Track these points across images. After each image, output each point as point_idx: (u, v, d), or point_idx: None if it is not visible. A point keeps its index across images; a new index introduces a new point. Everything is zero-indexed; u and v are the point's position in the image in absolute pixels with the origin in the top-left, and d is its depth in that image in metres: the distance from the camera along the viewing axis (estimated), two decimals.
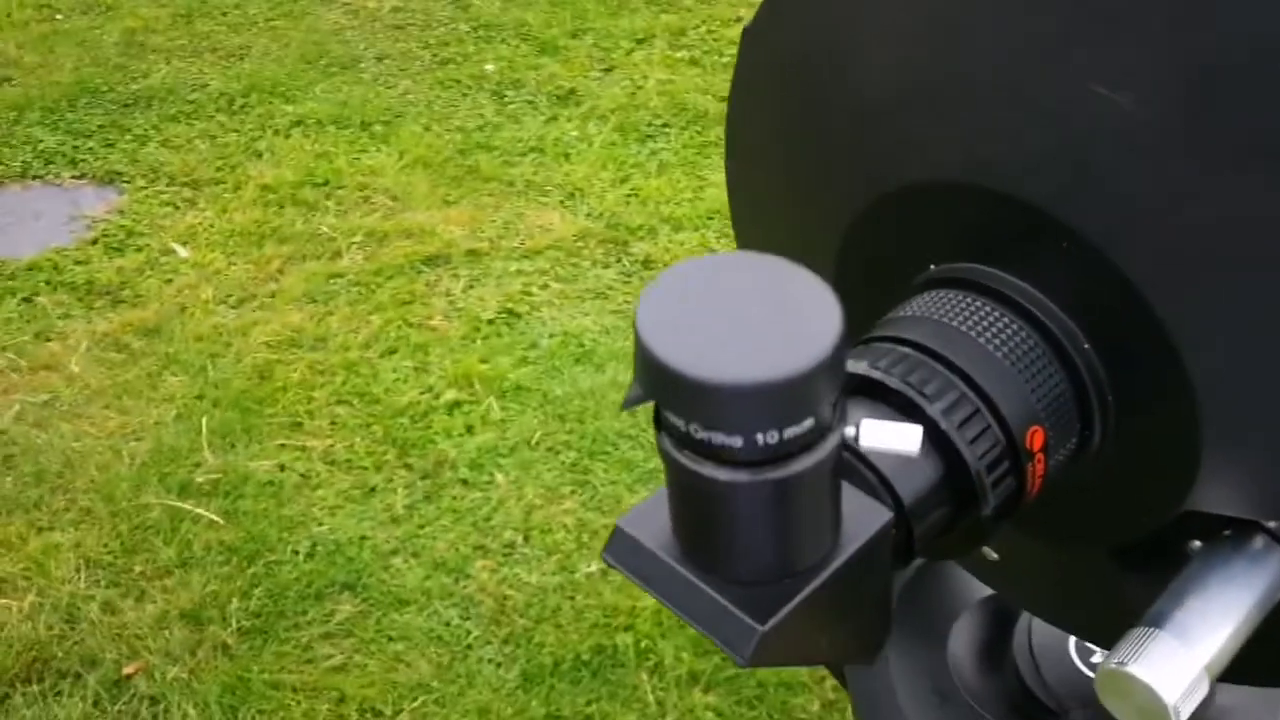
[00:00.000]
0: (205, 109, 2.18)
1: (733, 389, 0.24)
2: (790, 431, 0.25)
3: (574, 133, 2.12)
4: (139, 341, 1.75)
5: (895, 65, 0.34)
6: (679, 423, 0.26)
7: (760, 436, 0.25)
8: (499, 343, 1.74)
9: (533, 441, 1.60)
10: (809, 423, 0.25)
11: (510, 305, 1.80)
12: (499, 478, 1.56)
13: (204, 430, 1.62)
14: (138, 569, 1.46)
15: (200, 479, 1.56)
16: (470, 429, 1.62)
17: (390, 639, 1.40)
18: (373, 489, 1.56)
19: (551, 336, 1.75)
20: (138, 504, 1.53)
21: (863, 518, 0.29)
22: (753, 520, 0.27)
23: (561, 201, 1.98)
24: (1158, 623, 0.32)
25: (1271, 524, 0.34)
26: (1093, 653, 0.57)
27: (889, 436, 0.27)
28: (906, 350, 0.32)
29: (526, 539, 1.47)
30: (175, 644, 1.39)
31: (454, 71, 2.26)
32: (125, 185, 2.04)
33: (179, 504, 1.53)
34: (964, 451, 0.31)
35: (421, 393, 1.67)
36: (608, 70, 2.27)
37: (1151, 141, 0.29)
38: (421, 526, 1.51)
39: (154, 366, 1.71)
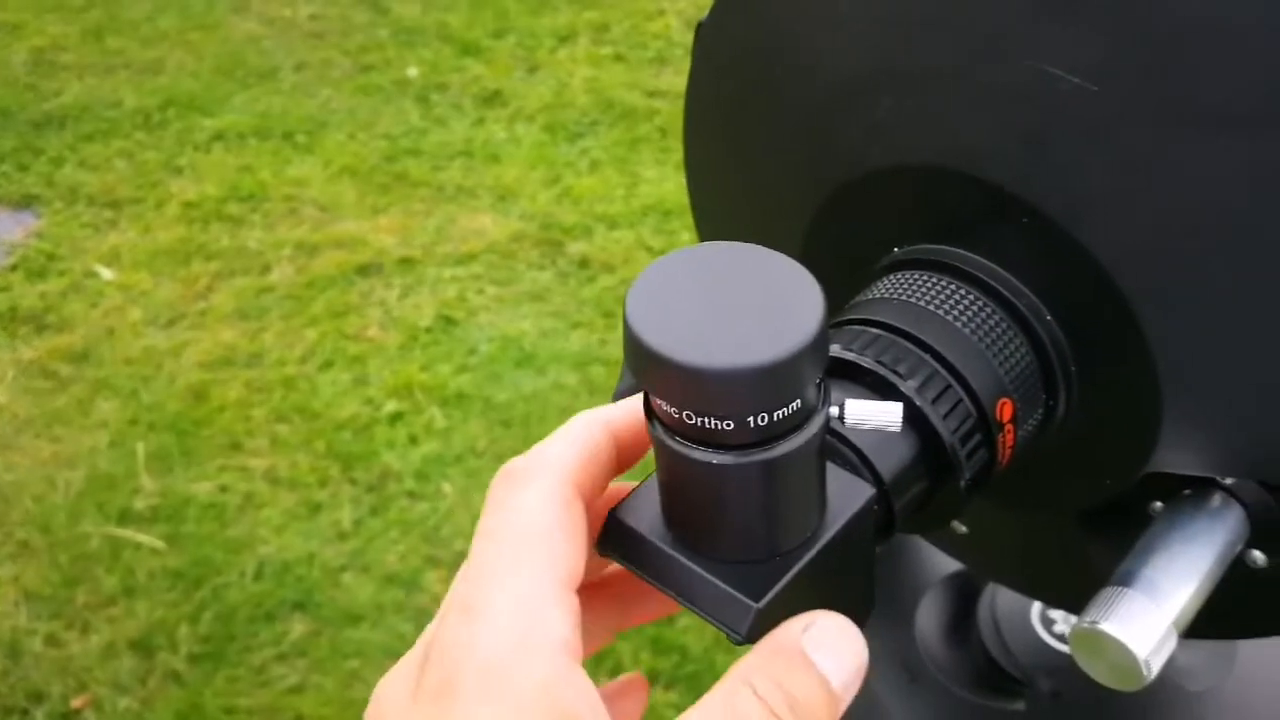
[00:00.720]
0: (122, 127, 2.13)
1: (723, 374, 0.25)
2: (779, 413, 0.26)
3: (502, 134, 2.11)
4: (67, 368, 1.71)
5: (852, 53, 0.35)
6: (671, 410, 0.26)
7: (750, 420, 0.26)
8: (437, 350, 1.73)
9: (478, 449, 1.59)
10: (796, 404, 0.26)
11: (446, 312, 1.79)
12: (446, 487, 1.55)
13: (140, 455, 1.58)
14: (80, 600, 1.43)
15: (139, 505, 1.53)
16: (414, 439, 1.61)
17: (345, 656, 1.39)
18: (318, 505, 1.54)
19: (490, 341, 1.74)
20: (76, 534, 1.49)
21: (846, 495, 0.29)
22: (743, 501, 0.27)
23: (493, 204, 1.97)
24: (1126, 581, 0.33)
25: (1228, 481, 0.35)
26: (1054, 622, 0.59)
27: (872, 414, 0.27)
28: (877, 331, 0.33)
29: None
30: (124, 674, 1.36)
31: (376, 77, 2.24)
32: (43, 208, 1.99)
33: (119, 532, 1.50)
34: (938, 426, 0.32)
35: (362, 405, 1.66)
36: (532, 70, 2.26)
37: (1104, 117, 0.30)
38: (370, 541, 1.50)
39: (84, 392, 1.68)
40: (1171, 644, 0.33)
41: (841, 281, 0.37)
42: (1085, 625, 0.33)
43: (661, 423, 0.27)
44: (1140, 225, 0.31)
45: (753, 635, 0.28)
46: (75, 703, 1.32)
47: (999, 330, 0.34)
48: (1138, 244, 0.31)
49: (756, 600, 0.28)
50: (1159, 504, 0.37)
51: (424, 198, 1.99)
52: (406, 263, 1.87)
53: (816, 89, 0.36)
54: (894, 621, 0.58)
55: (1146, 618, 0.33)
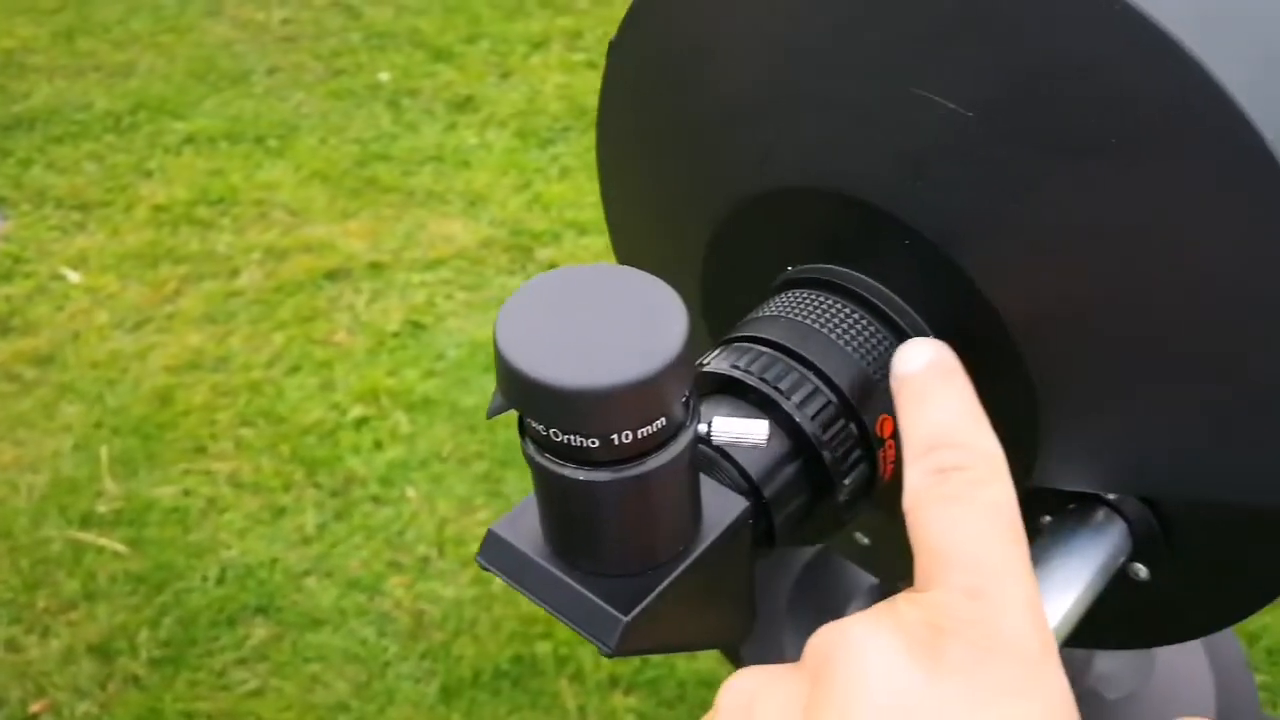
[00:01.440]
0: (91, 129, 2.13)
1: (587, 394, 0.25)
2: (643, 431, 0.26)
3: (473, 140, 2.12)
4: (32, 371, 1.71)
5: (744, 76, 0.36)
6: (540, 428, 0.27)
7: (615, 437, 0.26)
8: (405, 355, 1.73)
9: (443, 454, 1.59)
10: (661, 422, 0.27)
11: (415, 317, 1.79)
12: (410, 492, 1.55)
13: (104, 459, 1.58)
14: (41, 604, 1.42)
15: (102, 509, 1.53)
16: (379, 444, 1.61)
17: (306, 660, 1.39)
18: (282, 510, 1.54)
19: (458, 347, 1.75)
20: (38, 538, 1.49)
21: (721, 508, 0.30)
22: (613, 516, 0.28)
23: (463, 210, 1.98)
24: None
25: (1111, 496, 0.36)
26: None
27: (739, 430, 0.28)
28: (762, 349, 0.34)
29: (441, 552, 1.46)
30: (83, 678, 1.36)
31: (348, 82, 2.24)
32: (10, 211, 1.99)
33: (81, 535, 1.49)
34: (816, 442, 0.32)
35: (328, 410, 1.66)
36: (505, 75, 2.27)
37: (977, 143, 0.31)
38: (333, 545, 1.50)
39: (49, 396, 1.67)
40: None
41: (741, 299, 0.38)
42: None
43: (532, 440, 0.28)
44: (1012, 248, 0.32)
45: (623, 648, 0.28)
46: (34, 707, 1.32)
47: (882, 347, 0.34)
48: (1010, 266, 0.32)
49: (625, 613, 0.28)
50: (1047, 518, 0.37)
51: (394, 203, 1.99)
52: (376, 268, 1.88)
53: (713, 110, 0.37)
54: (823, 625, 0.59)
55: None
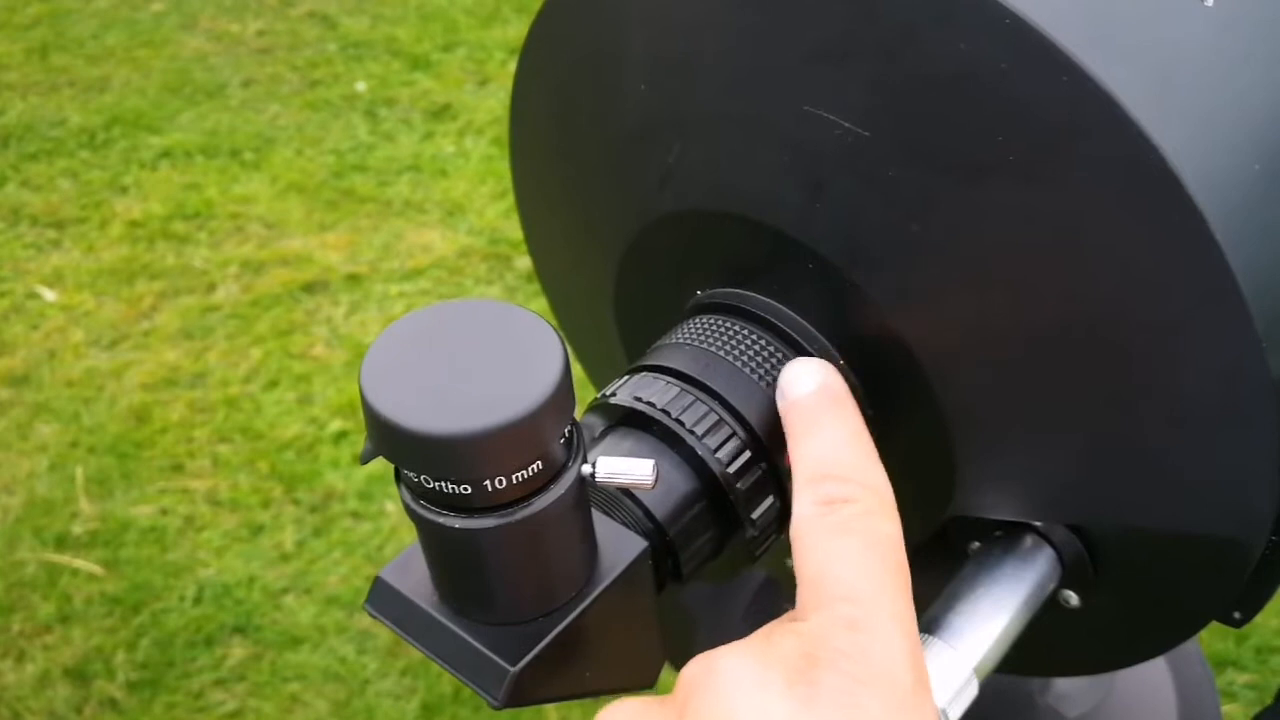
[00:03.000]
0: (66, 145, 2.11)
1: (453, 439, 0.24)
2: (520, 475, 0.25)
3: (450, 148, 2.10)
4: (6, 391, 1.70)
5: (646, 96, 0.35)
6: (410, 474, 0.26)
7: (489, 483, 0.25)
8: None
9: None
10: (537, 465, 0.25)
11: None
12: (390, 507, 1.54)
13: (79, 479, 1.57)
14: (15, 628, 1.41)
15: (78, 530, 1.51)
16: (358, 459, 1.60)
17: (285, 680, 1.37)
18: (260, 527, 1.53)
19: None
20: (12, 560, 1.48)
21: (618, 549, 0.29)
22: (496, 563, 0.27)
23: (441, 219, 1.96)
24: (929, 628, 0.33)
25: (1038, 523, 0.35)
26: None
27: (624, 470, 0.27)
28: (668, 379, 0.32)
29: None
30: (59, 703, 1.34)
31: (324, 93, 2.23)
32: None
33: (56, 557, 1.48)
34: (721, 477, 0.31)
35: (306, 424, 1.64)
36: (482, 83, 2.25)
37: (875, 163, 0.30)
38: (312, 562, 1.49)
39: (23, 416, 1.66)
40: (972, 690, 0.33)
41: (653, 323, 0.36)
42: None
43: (406, 486, 0.27)
44: (914, 270, 0.31)
45: (513, 699, 0.27)
46: None
47: None
48: (913, 289, 0.31)
49: (513, 663, 0.27)
50: (976, 544, 0.36)
51: (371, 213, 1.98)
52: (353, 279, 1.86)
53: (617, 130, 0.36)
54: None
55: (946, 666, 0.32)
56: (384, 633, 1.41)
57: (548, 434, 0.25)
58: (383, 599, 0.29)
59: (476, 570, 0.27)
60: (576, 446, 0.27)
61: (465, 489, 0.25)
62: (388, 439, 0.25)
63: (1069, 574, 0.35)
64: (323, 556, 1.50)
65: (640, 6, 0.34)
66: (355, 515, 1.54)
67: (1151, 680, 0.58)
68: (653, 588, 0.30)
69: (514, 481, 0.25)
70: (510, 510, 0.26)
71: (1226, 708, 1.31)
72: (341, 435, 1.63)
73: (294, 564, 1.49)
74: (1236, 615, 0.33)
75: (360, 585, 1.47)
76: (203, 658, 1.39)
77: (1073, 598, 0.35)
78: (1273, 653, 1.35)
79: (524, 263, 1.89)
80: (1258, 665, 1.35)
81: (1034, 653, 0.36)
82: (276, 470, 1.59)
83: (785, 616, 0.29)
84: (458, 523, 0.26)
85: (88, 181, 2.04)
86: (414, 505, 0.26)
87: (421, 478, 0.25)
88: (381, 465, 1.65)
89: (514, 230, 1.95)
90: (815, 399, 0.32)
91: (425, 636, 0.28)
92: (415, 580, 0.29)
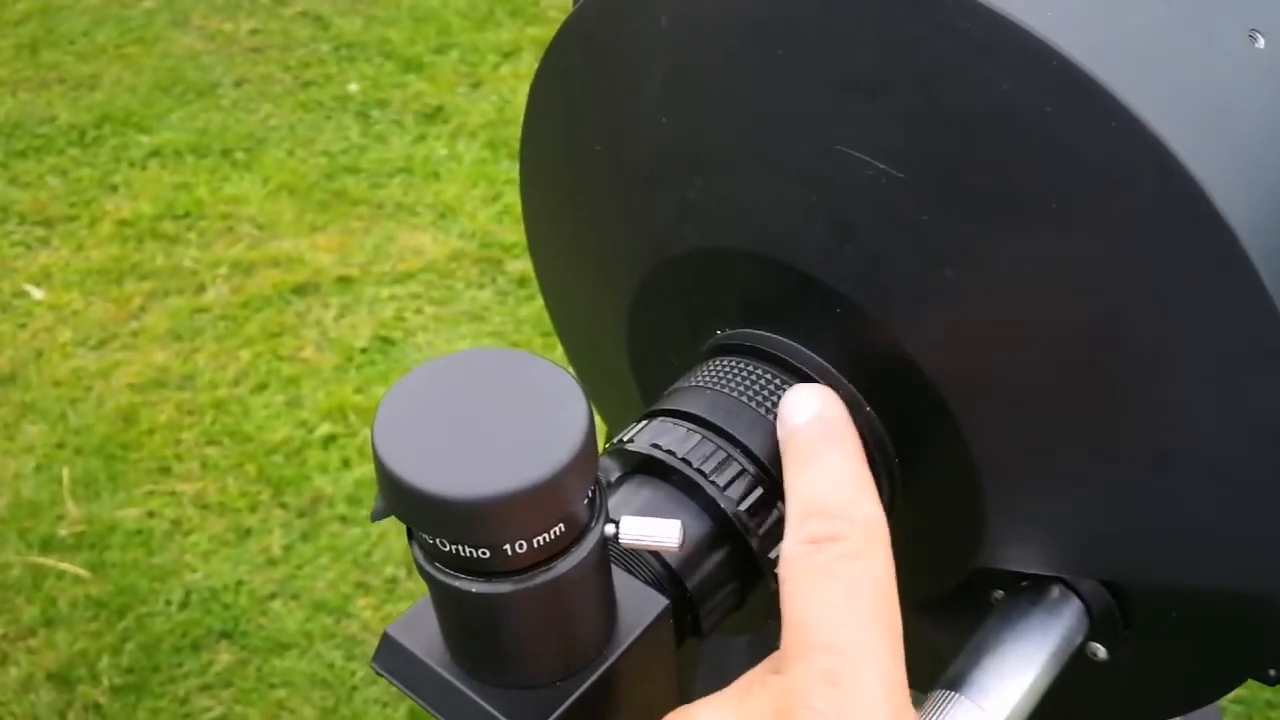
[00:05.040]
0: (55, 143, 2.09)
1: (473, 504, 0.23)
2: (541, 539, 0.24)
3: (443, 151, 2.09)
4: None
5: (666, 129, 0.34)
6: (425, 536, 0.24)
7: (509, 547, 0.24)
8: (374, 371, 1.70)
9: None
10: (559, 528, 0.24)
11: (384, 332, 1.76)
12: (405, 531, 1.53)
13: (66, 480, 1.55)
14: None
15: (63, 532, 1.50)
16: (347, 463, 1.58)
17: (272, 686, 1.36)
18: (248, 531, 1.51)
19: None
20: None
21: (639, 608, 0.28)
22: (514, 628, 0.26)
23: (433, 222, 1.95)
24: (955, 685, 0.32)
25: (1067, 574, 0.34)
26: None
27: (650, 532, 0.26)
28: (688, 426, 0.31)
29: (409, 573, 1.44)
30: (42, 707, 1.33)
31: (317, 93, 2.21)
32: None
33: (41, 560, 1.46)
34: (743, 527, 0.30)
35: (295, 428, 1.63)
36: (475, 85, 2.24)
37: (908, 205, 0.29)
38: (300, 567, 1.47)
39: (10, 416, 1.64)
40: None
41: (669, 362, 0.35)
42: None
43: (420, 548, 0.25)
44: (946, 315, 0.30)
45: None
46: None
47: None
48: (945, 335, 0.30)
49: None
50: (1000, 593, 0.35)
51: (363, 215, 1.96)
52: (344, 282, 1.85)
53: (633, 165, 0.35)
54: None
55: None
56: (371, 639, 1.40)
57: (572, 496, 0.24)
58: (391, 657, 0.28)
59: (493, 634, 0.26)
60: (600, 506, 0.26)
61: (484, 553, 0.24)
62: (402, 500, 0.24)
63: (1097, 627, 0.34)
64: (310, 561, 1.48)
65: (660, 37, 0.33)
66: (343, 520, 1.53)
67: None
68: (673, 645, 0.29)
69: (535, 545, 0.24)
70: (530, 574, 0.25)
71: None
72: (330, 439, 1.62)
73: (281, 569, 1.48)
74: (1272, 673, 0.32)
75: (348, 591, 1.45)
76: (189, 663, 1.38)
77: (1101, 651, 0.35)
78: None
79: (515, 266, 1.87)
80: None
81: (1060, 707, 0.35)
82: (265, 474, 1.57)
83: (768, 662, 0.28)
84: (475, 587, 0.25)
85: (77, 180, 2.02)
86: (428, 567, 0.25)
87: (438, 540, 0.24)
88: (371, 470, 1.63)
89: (506, 234, 1.93)
90: (810, 429, 0.31)
91: (436, 699, 0.27)
92: (425, 638, 0.28)
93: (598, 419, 0.41)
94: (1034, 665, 0.33)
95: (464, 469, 0.23)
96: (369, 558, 1.48)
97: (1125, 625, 0.33)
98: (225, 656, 1.39)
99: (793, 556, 0.28)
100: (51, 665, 1.37)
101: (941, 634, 0.34)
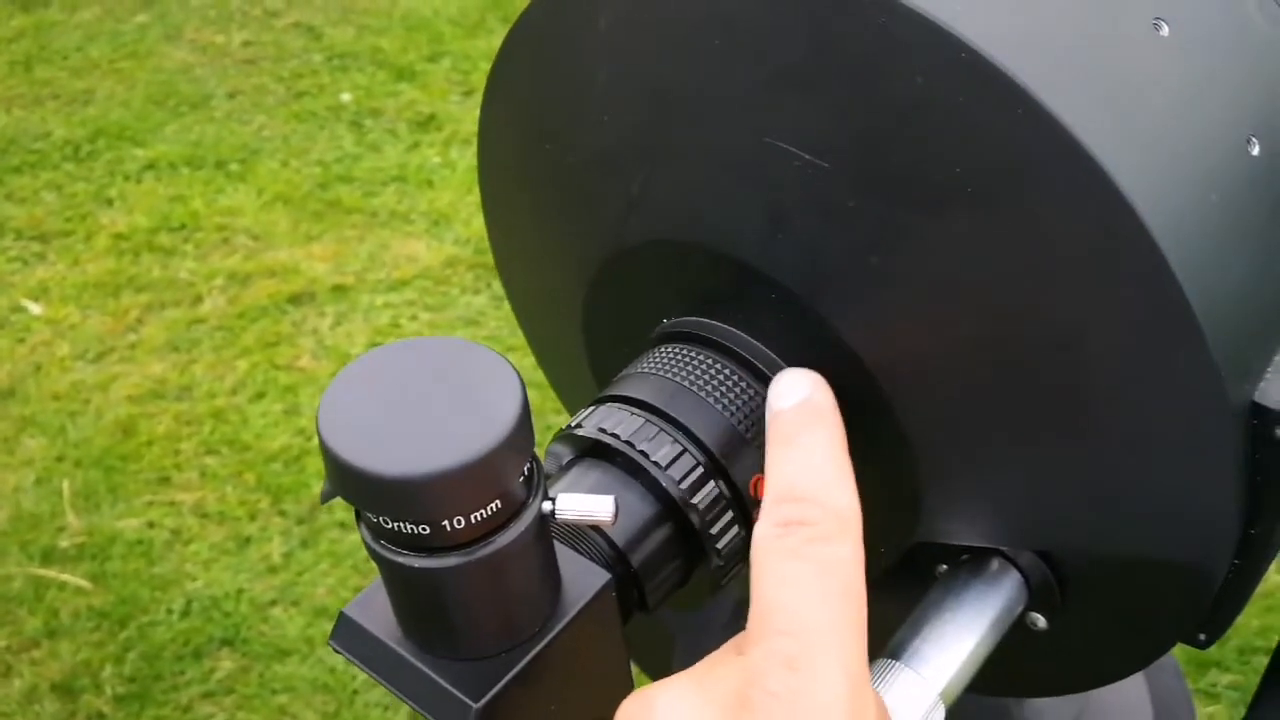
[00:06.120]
0: (50, 158, 2.11)
1: (409, 481, 0.24)
2: (479, 514, 0.25)
3: (436, 159, 2.10)
4: None
5: (611, 124, 0.35)
6: (370, 515, 0.26)
7: (448, 523, 0.25)
8: None
9: None
10: (496, 504, 0.26)
11: (380, 339, 1.78)
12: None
13: (66, 492, 1.56)
14: (2, 643, 1.41)
15: (64, 544, 1.51)
16: None
17: (274, 692, 1.37)
18: (248, 539, 1.53)
19: None
20: None
21: (582, 582, 0.29)
22: (458, 601, 0.27)
23: (427, 229, 1.96)
24: (896, 654, 0.33)
25: (1004, 548, 0.35)
26: None
27: (584, 507, 0.27)
28: (632, 410, 0.33)
29: None
30: (47, 718, 1.34)
31: (310, 104, 2.23)
32: None
33: (43, 571, 1.48)
34: (685, 508, 0.32)
35: (293, 436, 1.64)
36: (468, 93, 2.25)
37: (834, 194, 0.30)
38: (300, 573, 1.48)
39: (9, 430, 1.65)
40: (939, 715, 0.33)
41: (621, 351, 0.37)
42: None
43: (366, 526, 0.27)
44: (875, 301, 0.31)
45: None
46: None
47: (754, 405, 0.33)
48: (874, 319, 0.31)
49: (476, 699, 0.27)
50: (943, 566, 0.37)
51: (357, 224, 1.97)
52: (339, 290, 1.86)
53: (582, 158, 0.36)
54: None
55: (911, 693, 0.33)
56: None
57: (506, 473, 0.25)
58: (348, 635, 0.29)
59: (439, 607, 0.27)
60: (536, 483, 0.27)
61: (424, 529, 0.25)
62: (346, 481, 0.25)
63: (1036, 597, 0.35)
64: (310, 568, 1.50)
65: (603, 34, 0.35)
66: (343, 526, 1.54)
67: (1127, 692, 0.59)
68: (618, 619, 0.30)
69: (473, 521, 0.25)
70: (470, 549, 0.26)
71: (1210, 709, 1.31)
72: None
73: (281, 576, 1.49)
74: (1202, 637, 0.33)
75: (348, 596, 1.46)
76: (191, 670, 1.39)
77: (1040, 620, 0.36)
78: (1255, 653, 1.35)
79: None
80: (1240, 666, 1.35)
81: (1003, 675, 0.36)
82: (264, 482, 1.59)
83: (733, 642, 0.28)
84: (418, 562, 0.26)
85: (72, 194, 2.04)
86: (375, 545, 0.27)
87: (381, 518, 0.26)
88: None
89: None
90: (795, 413, 0.31)
91: (390, 673, 0.28)
92: (379, 616, 0.29)
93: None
94: (973, 634, 0.34)
95: (402, 449, 0.25)
96: (368, 563, 1.49)
97: (1062, 595, 0.34)
98: (227, 663, 1.41)
99: (764, 537, 0.29)
100: (55, 676, 1.38)
101: (887, 607, 0.35)
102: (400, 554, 0.26)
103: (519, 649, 0.28)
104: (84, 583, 1.47)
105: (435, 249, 1.93)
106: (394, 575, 0.27)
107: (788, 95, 0.31)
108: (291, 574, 1.49)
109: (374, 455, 0.24)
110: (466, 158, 2.11)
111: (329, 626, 1.43)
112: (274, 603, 1.47)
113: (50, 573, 1.48)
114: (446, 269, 1.89)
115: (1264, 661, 1.27)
